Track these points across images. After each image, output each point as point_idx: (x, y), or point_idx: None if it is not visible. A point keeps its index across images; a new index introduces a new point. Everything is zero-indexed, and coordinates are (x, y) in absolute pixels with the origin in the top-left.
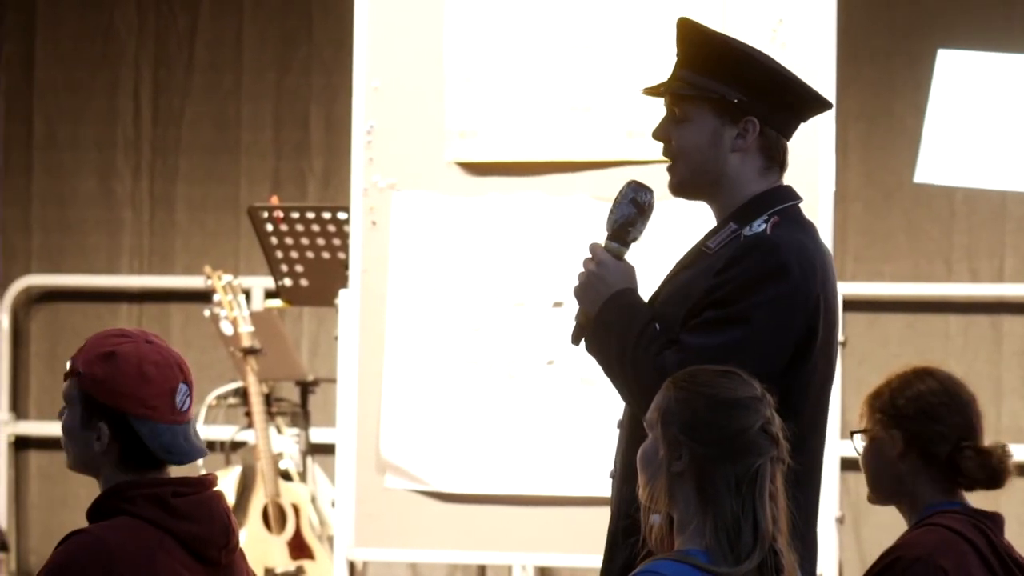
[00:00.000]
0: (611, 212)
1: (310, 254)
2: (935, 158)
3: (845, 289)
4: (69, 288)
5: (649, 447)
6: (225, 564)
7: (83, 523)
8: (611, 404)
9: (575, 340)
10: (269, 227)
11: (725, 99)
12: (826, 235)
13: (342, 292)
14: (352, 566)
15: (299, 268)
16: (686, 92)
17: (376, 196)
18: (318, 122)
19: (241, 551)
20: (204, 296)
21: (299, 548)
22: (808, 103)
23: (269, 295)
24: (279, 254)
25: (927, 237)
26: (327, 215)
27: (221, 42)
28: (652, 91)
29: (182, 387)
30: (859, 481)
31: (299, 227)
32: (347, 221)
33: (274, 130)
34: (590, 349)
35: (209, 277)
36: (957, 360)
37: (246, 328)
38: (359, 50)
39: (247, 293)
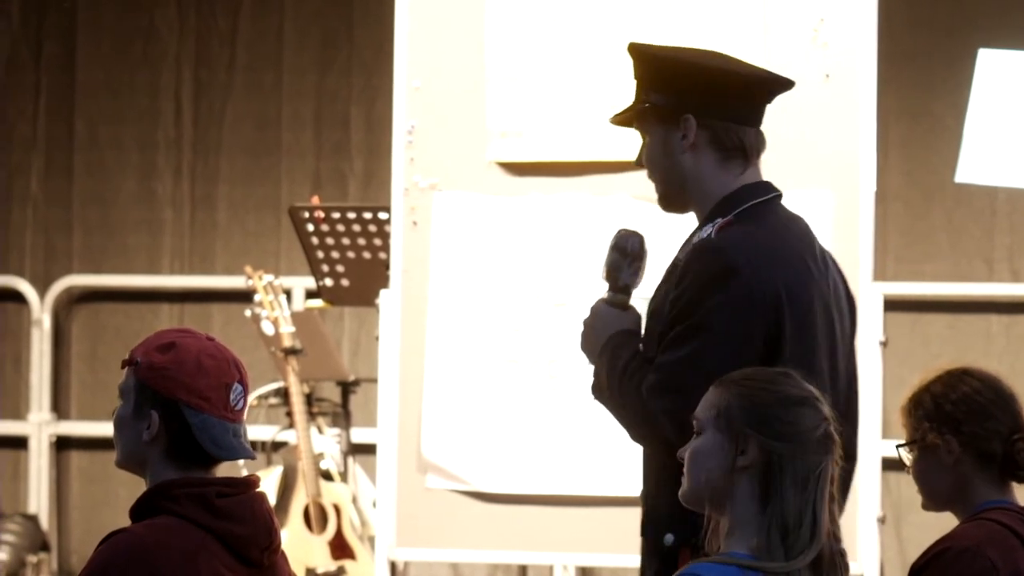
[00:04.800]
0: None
1: (351, 254)
2: (976, 158)
3: (886, 289)
4: (110, 288)
5: (702, 446)
6: (267, 565)
7: (124, 523)
8: None
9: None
10: (310, 227)
11: (656, 105)
12: (867, 235)
13: (383, 292)
14: (393, 566)
15: (340, 268)
16: (633, 110)
17: (417, 196)
18: (359, 122)
19: (283, 552)
20: (245, 296)
21: (340, 548)
22: (744, 84)
23: (310, 295)
24: (320, 254)
25: (968, 237)
26: (368, 215)
27: (262, 42)
28: (617, 119)
29: (237, 386)
30: (900, 481)
31: (340, 227)
32: (388, 221)
33: (315, 130)
34: (598, 399)
35: (250, 277)
36: (999, 360)
37: (287, 328)
38: (399, 50)
39: (288, 293)
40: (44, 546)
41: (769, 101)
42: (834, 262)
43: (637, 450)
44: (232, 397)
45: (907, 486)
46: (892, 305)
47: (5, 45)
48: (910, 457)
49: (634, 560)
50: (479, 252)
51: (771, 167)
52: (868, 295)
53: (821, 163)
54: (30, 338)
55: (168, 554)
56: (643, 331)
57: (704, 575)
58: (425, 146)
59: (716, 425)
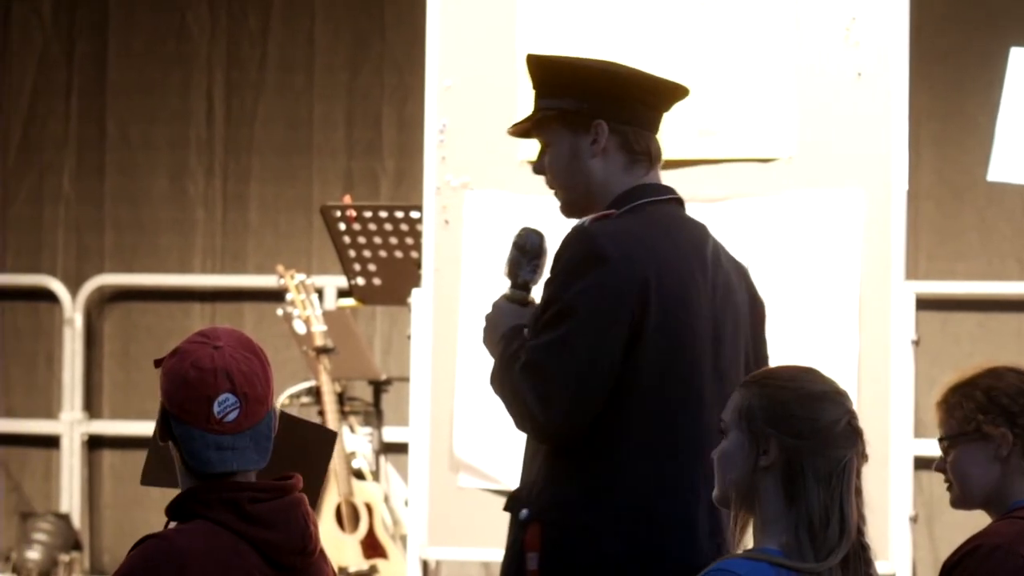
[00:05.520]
0: None
1: (383, 253)
2: (1008, 157)
3: (918, 288)
4: (142, 287)
5: (727, 447)
6: (301, 569)
7: (156, 523)
8: None
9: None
10: (342, 226)
11: (567, 110)
12: (898, 234)
13: (415, 291)
14: (425, 565)
15: (372, 267)
16: (537, 116)
17: (449, 195)
18: (390, 121)
19: (323, 553)
20: (277, 295)
21: (372, 547)
22: (650, 91)
23: (342, 294)
24: (352, 253)
25: (1000, 235)
26: (400, 214)
27: (293, 42)
28: (515, 129)
29: (227, 397)
30: (932, 480)
31: (372, 226)
32: (420, 220)
33: (346, 129)
34: (495, 391)
35: (282, 276)
36: None
37: (319, 327)
38: (431, 49)
39: (320, 292)
40: (76, 545)
41: (668, 109)
42: (738, 271)
43: None
44: (217, 409)
45: (939, 485)
46: (923, 304)
47: (37, 44)
48: (952, 452)
49: None
50: None
51: (803, 166)
52: (900, 294)
53: (853, 162)
54: (62, 337)
55: (199, 559)
56: None
57: (736, 570)
58: (457, 145)
59: (739, 426)
